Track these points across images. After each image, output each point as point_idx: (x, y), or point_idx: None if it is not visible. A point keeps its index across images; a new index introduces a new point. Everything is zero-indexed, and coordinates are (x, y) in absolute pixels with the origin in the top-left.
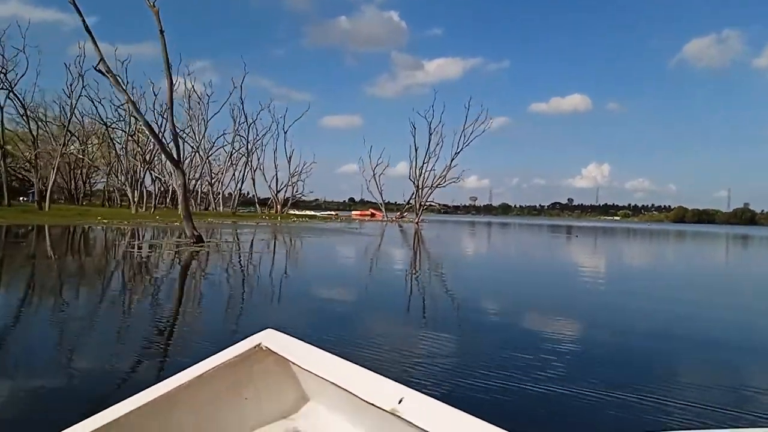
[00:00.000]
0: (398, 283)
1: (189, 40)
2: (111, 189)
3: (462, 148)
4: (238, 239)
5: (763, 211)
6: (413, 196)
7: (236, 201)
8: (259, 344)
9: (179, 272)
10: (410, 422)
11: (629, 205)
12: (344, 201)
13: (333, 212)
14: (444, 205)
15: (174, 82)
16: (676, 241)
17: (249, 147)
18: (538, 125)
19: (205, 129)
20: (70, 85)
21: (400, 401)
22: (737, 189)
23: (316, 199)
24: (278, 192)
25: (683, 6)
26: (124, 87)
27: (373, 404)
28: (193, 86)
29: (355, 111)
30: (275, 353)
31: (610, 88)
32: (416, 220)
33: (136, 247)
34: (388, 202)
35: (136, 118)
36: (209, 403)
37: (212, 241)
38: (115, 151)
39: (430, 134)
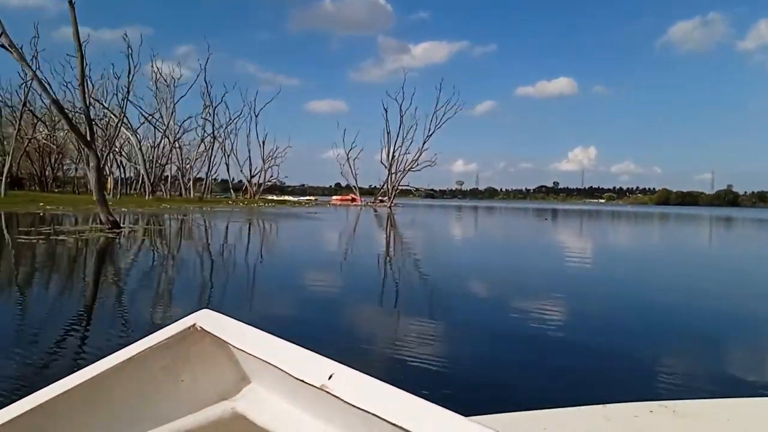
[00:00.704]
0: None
1: (173, 24)
2: (83, 175)
3: (434, 131)
4: (167, 225)
5: (745, 192)
6: (387, 181)
7: (208, 186)
8: (194, 324)
9: (43, 261)
10: (340, 398)
11: (614, 188)
12: (330, 186)
13: (312, 197)
14: (430, 190)
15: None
16: (634, 222)
17: (214, 131)
18: (525, 109)
19: (173, 113)
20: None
21: (329, 377)
22: (721, 171)
23: (302, 185)
24: (252, 177)
25: None
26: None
27: (304, 381)
28: (159, 70)
29: (340, 96)
30: (211, 334)
31: (596, 72)
32: (389, 204)
33: (34, 233)
34: (372, 186)
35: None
36: (143, 385)
37: (134, 227)
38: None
39: (401, 117)
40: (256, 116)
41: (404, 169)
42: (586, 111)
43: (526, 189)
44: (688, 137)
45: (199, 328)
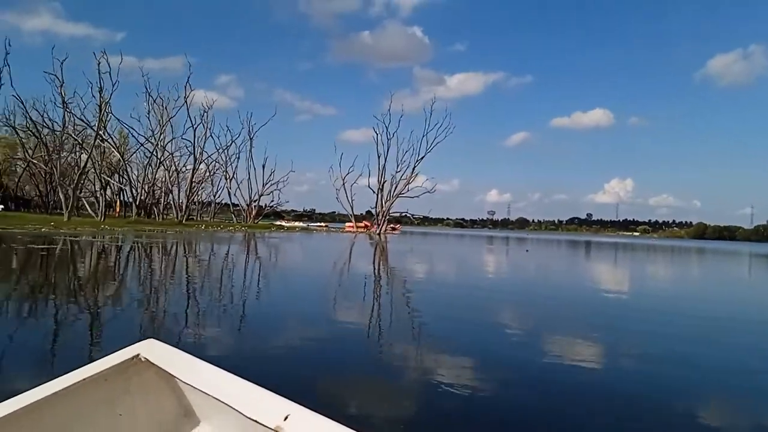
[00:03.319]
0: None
1: (216, 54)
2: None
3: (425, 155)
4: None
5: None
6: (382, 206)
7: (188, 210)
8: (138, 355)
9: None
10: None
11: (649, 221)
12: (361, 213)
13: (323, 224)
14: (460, 219)
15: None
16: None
17: (196, 153)
18: (560, 140)
19: (160, 134)
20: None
21: (285, 418)
22: (761, 206)
23: (333, 212)
24: (250, 202)
25: (709, 20)
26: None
27: (257, 422)
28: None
29: (375, 124)
30: (155, 365)
31: (633, 103)
32: (378, 231)
33: None
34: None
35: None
36: (76, 419)
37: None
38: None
39: (389, 139)
40: (251, 139)
41: (395, 195)
42: (622, 142)
43: (558, 221)
44: (727, 171)
45: (143, 359)
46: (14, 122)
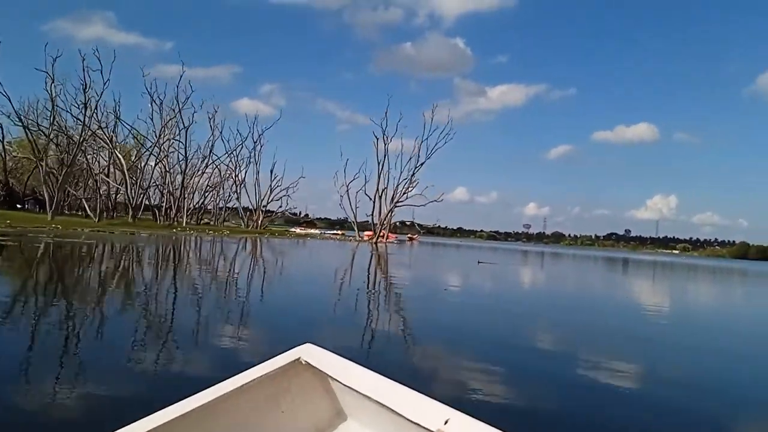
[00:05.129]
0: None
1: (260, 64)
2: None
3: (424, 162)
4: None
5: None
6: (386, 215)
7: (190, 213)
8: (298, 358)
9: None
10: None
11: (690, 238)
12: (396, 224)
13: (339, 232)
14: (494, 232)
15: None
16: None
17: (187, 152)
18: (602, 154)
19: (165, 137)
20: None
21: (446, 422)
22: None
23: (366, 221)
24: (258, 207)
25: (759, 36)
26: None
27: (417, 424)
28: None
29: (414, 136)
30: (314, 367)
31: (679, 118)
32: (374, 240)
33: None
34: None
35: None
36: (247, 414)
37: None
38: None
39: (386, 144)
40: (255, 143)
41: (392, 202)
42: (667, 158)
43: (595, 236)
44: None
45: (303, 362)
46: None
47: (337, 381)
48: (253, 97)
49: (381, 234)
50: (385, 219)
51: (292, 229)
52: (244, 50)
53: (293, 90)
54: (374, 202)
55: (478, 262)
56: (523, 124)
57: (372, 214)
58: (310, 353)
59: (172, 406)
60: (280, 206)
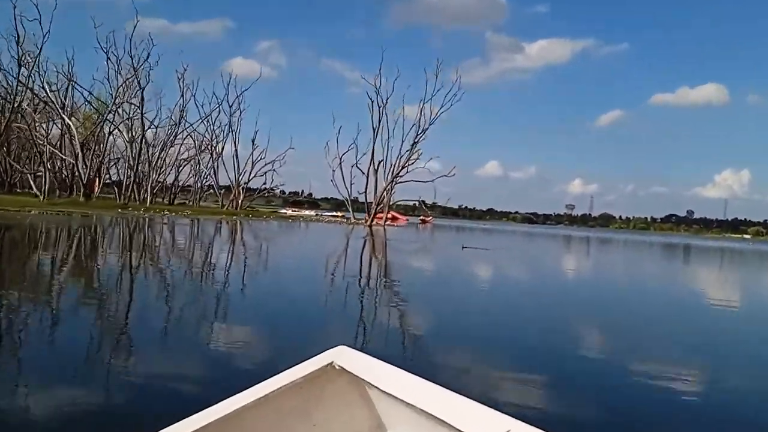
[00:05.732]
0: None
1: (256, 18)
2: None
3: (427, 127)
4: None
5: None
6: (384, 191)
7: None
8: (332, 363)
9: None
10: None
11: (765, 221)
12: (414, 204)
13: (339, 213)
14: (530, 214)
15: None
16: None
17: (145, 118)
18: (661, 121)
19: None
20: None
21: None
22: None
23: (355, 197)
24: (239, 184)
25: None
26: None
27: None
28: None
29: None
30: (349, 372)
31: (752, 77)
32: (368, 222)
33: None
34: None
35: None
36: (273, 426)
37: None
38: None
39: (380, 107)
40: (230, 106)
41: (393, 177)
42: (739, 125)
43: (651, 218)
44: None
45: (336, 367)
46: None
47: (377, 388)
48: (248, 56)
49: (377, 216)
50: (381, 197)
51: (282, 211)
52: (236, 3)
53: (292, 48)
54: (368, 177)
55: (463, 247)
56: (567, 86)
57: (366, 192)
58: (344, 356)
59: (187, 418)
60: (265, 183)
